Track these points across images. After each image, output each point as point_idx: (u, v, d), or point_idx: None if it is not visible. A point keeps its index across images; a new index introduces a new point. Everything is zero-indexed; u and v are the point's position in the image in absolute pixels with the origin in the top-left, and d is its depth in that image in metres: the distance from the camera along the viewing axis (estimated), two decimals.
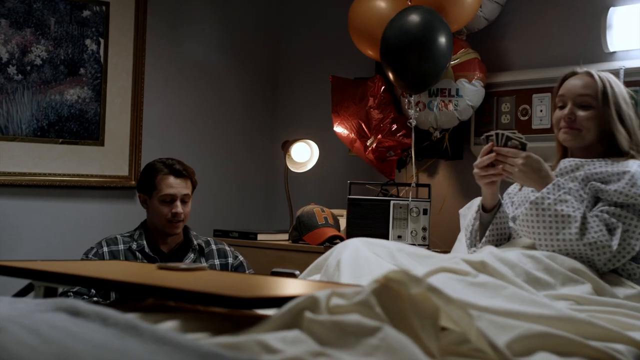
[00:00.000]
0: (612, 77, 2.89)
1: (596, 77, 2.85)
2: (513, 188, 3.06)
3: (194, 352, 1.34)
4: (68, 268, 2.14)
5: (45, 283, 2.11)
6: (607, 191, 2.65)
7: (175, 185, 3.49)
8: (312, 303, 1.62)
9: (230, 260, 3.60)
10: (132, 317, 1.51)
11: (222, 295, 1.63)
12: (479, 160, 2.80)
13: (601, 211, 2.63)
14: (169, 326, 1.62)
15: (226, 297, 1.62)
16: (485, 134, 2.80)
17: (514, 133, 2.75)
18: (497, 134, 2.76)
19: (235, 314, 1.80)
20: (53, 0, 4.33)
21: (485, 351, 1.64)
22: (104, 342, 1.39)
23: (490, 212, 2.86)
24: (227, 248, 3.64)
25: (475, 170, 2.83)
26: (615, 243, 2.56)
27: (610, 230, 2.59)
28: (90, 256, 3.40)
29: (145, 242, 3.47)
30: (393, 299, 1.65)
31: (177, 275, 2.07)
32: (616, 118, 2.81)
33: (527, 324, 1.81)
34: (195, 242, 3.55)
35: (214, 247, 3.61)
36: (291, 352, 1.45)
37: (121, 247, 3.44)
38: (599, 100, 2.82)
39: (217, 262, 3.57)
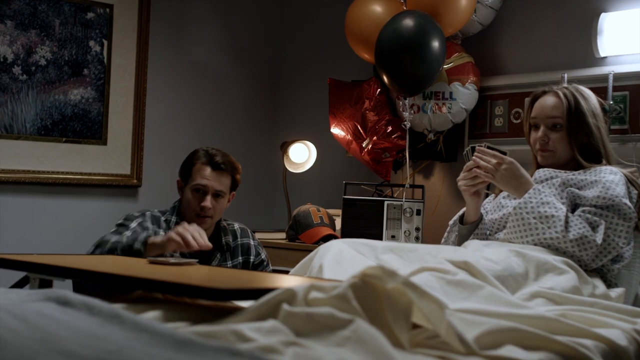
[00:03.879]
0: (580, 92, 3.04)
1: (561, 96, 3.00)
2: (488, 200, 3.19)
3: (170, 339, 1.42)
4: (61, 261, 2.23)
5: (39, 275, 2.19)
6: (585, 197, 2.77)
7: (209, 177, 3.26)
8: (289, 296, 1.70)
9: (251, 258, 3.43)
10: (116, 307, 1.59)
11: (200, 287, 1.71)
12: (462, 174, 2.95)
13: (583, 211, 2.73)
14: (151, 316, 1.70)
15: (204, 289, 1.69)
16: (466, 149, 2.95)
17: (492, 146, 2.91)
18: (477, 147, 2.91)
19: (217, 306, 1.88)
20: (58, 2, 4.42)
21: (453, 345, 1.72)
22: (87, 329, 1.47)
23: (472, 224, 2.97)
24: (252, 242, 3.45)
25: (460, 183, 2.96)
26: (599, 237, 2.67)
27: (594, 228, 2.69)
28: (136, 222, 3.19)
29: None
30: (370, 293, 1.72)
31: (165, 269, 2.15)
32: (585, 132, 2.94)
33: (495, 320, 1.88)
34: (223, 240, 3.36)
35: (239, 241, 3.41)
36: (264, 341, 1.52)
37: (161, 232, 3.21)
38: (565, 120, 2.98)
39: (240, 259, 3.40)
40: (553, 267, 2.55)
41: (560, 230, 2.67)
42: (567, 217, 2.71)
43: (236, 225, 3.48)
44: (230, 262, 3.39)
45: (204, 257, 3.26)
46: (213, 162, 3.28)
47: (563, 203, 2.81)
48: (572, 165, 3.00)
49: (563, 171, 2.95)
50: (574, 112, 2.97)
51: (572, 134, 2.97)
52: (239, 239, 3.42)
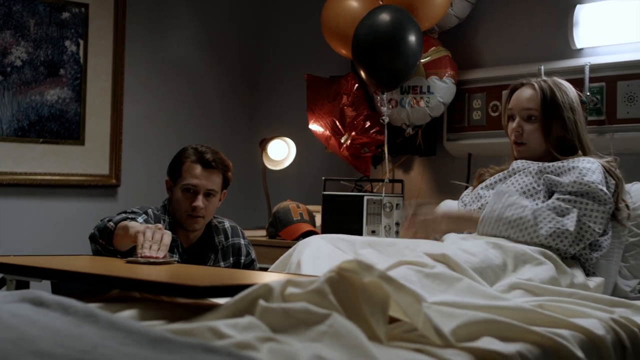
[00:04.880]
0: (558, 85, 3.05)
1: (537, 88, 3.02)
2: (467, 192, 3.20)
3: (145, 337, 1.41)
4: (38, 262, 2.22)
5: (16, 277, 2.18)
6: (560, 182, 2.79)
7: (200, 176, 3.15)
8: (265, 291, 1.70)
9: (242, 258, 3.36)
10: (91, 306, 1.59)
11: (177, 285, 1.70)
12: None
13: (557, 199, 2.76)
14: (127, 315, 1.70)
15: (181, 287, 1.69)
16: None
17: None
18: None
19: (194, 304, 1.88)
20: (32, 3, 4.39)
21: (430, 337, 1.72)
22: (62, 328, 1.47)
23: None
24: (242, 242, 3.37)
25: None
26: (571, 224, 2.68)
27: (564, 216, 2.71)
28: (140, 219, 3.02)
29: (177, 236, 3.18)
30: (346, 287, 1.72)
31: (142, 268, 2.15)
32: (560, 126, 2.96)
33: (472, 312, 1.88)
34: (216, 240, 3.28)
35: (230, 241, 3.33)
36: (241, 337, 1.52)
37: None
38: (540, 112, 3.00)
39: (231, 259, 3.33)
40: (531, 257, 2.56)
41: (531, 231, 2.70)
42: (534, 213, 2.73)
43: (227, 224, 3.40)
44: (222, 263, 3.32)
45: (198, 258, 3.24)
46: (203, 160, 3.16)
47: (540, 190, 2.84)
48: (547, 159, 3.01)
49: (540, 162, 2.97)
50: (549, 104, 2.98)
51: (547, 126, 2.98)
52: (230, 239, 3.34)
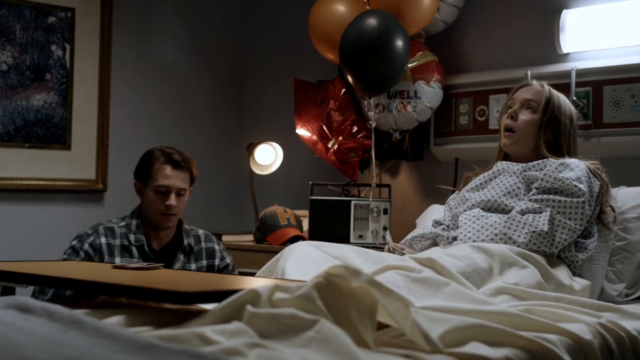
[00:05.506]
0: (562, 97, 3.09)
1: (546, 88, 3.07)
2: (453, 196, 3.21)
3: (131, 343, 1.41)
4: (24, 268, 2.20)
5: (2, 282, 2.17)
6: (537, 178, 2.80)
7: (171, 176, 3.31)
8: (253, 297, 1.69)
9: (217, 261, 3.46)
10: (77, 313, 1.58)
11: (165, 291, 1.69)
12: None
13: (529, 199, 2.77)
14: (114, 321, 1.69)
15: (169, 292, 1.68)
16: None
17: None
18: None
19: (182, 309, 1.87)
20: (18, 7, 4.37)
21: (418, 343, 1.72)
22: (48, 335, 1.46)
23: None
24: (217, 247, 3.49)
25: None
26: (543, 223, 2.70)
27: (535, 217, 2.72)
28: (87, 246, 3.22)
29: (144, 238, 3.31)
30: (334, 292, 1.72)
31: (129, 274, 2.14)
32: (555, 126, 2.97)
33: (461, 317, 1.88)
34: (185, 242, 3.38)
35: (203, 245, 3.45)
36: (228, 343, 1.52)
37: (118, 242, 3.27)
38: (542, 107, 3.01)
39: (204, 262, 3.43)
40: (516, 260, 2.57)
41: (510, 244, 2.71)
42: (507, 224, 2.74)
43: (200, 231, 3.51)
44: (194, 264, 3.41)
45: (166, 259, 3.33)
46: (172, 160, 3.32)
47: (519, 188, 2.86)
48: (532, 158, 3.02)
49: (523, 163, 2.98)
50: (552, 103, 3.01)
51: (542, 121, 3.00)
52: (202, 243, 3.46)
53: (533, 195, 2.82)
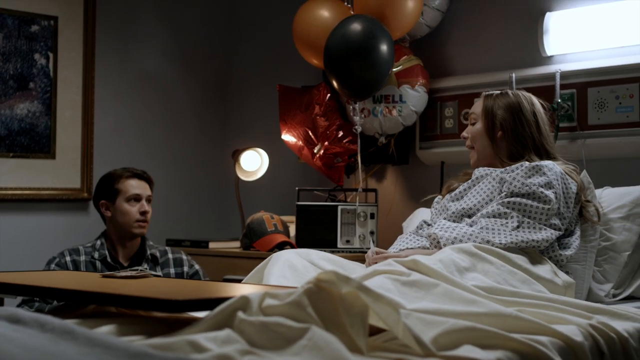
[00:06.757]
0: (525, 96, 3.10)
1: (481, 97, 3.14)
2: (437, 200, 3.22)
3: (124, 353, 1.40)
4: (12, 278, 2.19)
5: None
6: (507, 181, 2.83)
7: (138, 186, 3.59)
8: (243, 303, 1.69)
9: (185, 268, 3.65)
10: (68, 323, 1.57)
11: (156, 299, 1.68)
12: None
13: (497, 203, 2.79)
14: (105, 330, 1.68)
15: (160, 301, 1.67)
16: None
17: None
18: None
19: (173, 317, 1.86)
20: (0, 16, 4.35)
21: (411, 346, 1.72)
22: (40, 346, 1.45)
23: None
24: (184, 257, 3.70)
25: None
26: (513, 225, 2.70)
27: (504, 222, 2.74)
28: (53, 266, 3.43)
29: (107, 252, 3.51)
30: (325, 298, 1.72)
31: (119, 283, 2.13)
32: (498, 128, 3.04)
33: (453, 320, 1.89)
34: (148, 252, 3.59)
35: (170, 256, 3.66)
36: (220, 350, 1.51)
37: (83, 258, 3.49)
38: (482, 115, 3.09)
39: (172, 270, 3.62)
40: (489, 259, 2.58)
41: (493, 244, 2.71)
42: (482, 229, 2.76)
43: (166, 247, 3.79)
44: (160, 272, 3.60)
45: (131, 266, 3.54)
46: (135, 173, 3.62)
47: (498, 193, 2.88)
48: (502, 165, 3.04)
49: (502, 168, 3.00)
50: (488, 108, 3.07)
51: (488, 127, 3.05)
52: (169, 254, 3.68)
53: (501, 198, 2.84)
